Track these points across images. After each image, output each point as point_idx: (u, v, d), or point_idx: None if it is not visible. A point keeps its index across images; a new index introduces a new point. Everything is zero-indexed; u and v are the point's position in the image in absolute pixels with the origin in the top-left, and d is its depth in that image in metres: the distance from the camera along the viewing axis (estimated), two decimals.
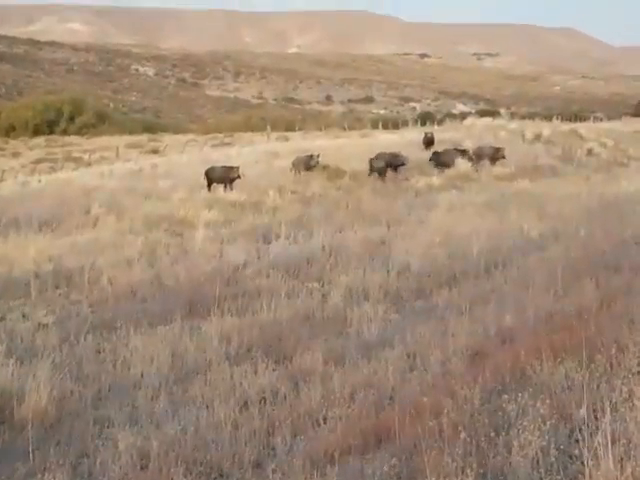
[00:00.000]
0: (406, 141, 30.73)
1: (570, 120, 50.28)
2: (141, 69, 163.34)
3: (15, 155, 51.77)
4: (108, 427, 7.06)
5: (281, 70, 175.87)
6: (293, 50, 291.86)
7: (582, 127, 40.34)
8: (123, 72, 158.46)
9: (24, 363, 8.33)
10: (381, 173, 23.84)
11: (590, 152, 31.72)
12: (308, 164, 24.28)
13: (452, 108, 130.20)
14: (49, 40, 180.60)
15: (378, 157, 24.58)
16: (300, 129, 57.37)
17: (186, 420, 6.98)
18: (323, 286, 11.40)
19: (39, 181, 28.72)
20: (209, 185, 22.08)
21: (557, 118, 47.66)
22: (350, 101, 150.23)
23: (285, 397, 7.37)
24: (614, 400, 5.75)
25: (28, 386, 7.48)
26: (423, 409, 6.24)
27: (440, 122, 50.12)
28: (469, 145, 28.47)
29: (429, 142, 29.37)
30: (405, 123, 54.90)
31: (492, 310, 9.37)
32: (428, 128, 39.98)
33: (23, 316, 10.73)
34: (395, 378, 7.46)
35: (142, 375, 8.21)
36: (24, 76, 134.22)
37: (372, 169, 23.97)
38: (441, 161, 25.42)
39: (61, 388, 7.67)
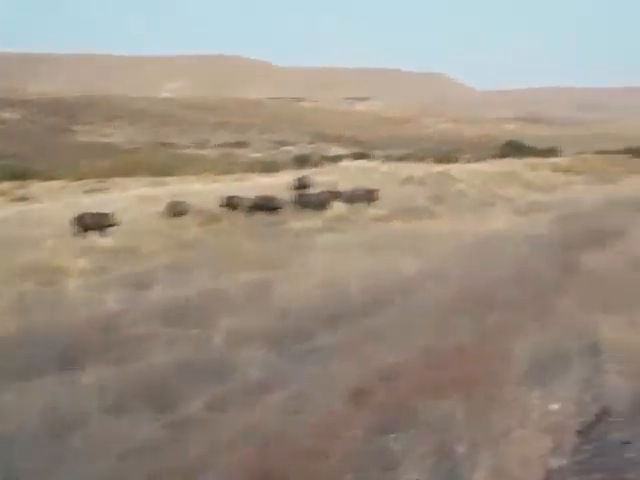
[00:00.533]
0: (282, 184, 30.94)
1: (442, 161, 51.72)
2: (5, 115, 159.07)
3: None
4: None
5: (155, 114, 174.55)
6: (166, 95, 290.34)
7: (453, 168, 41.59)
8: None
9: None
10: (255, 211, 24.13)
11: (461, 192, 32.70)
12: (181, 209, 24.24)
13: (327, 151, 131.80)
14: None
15: (252, 199, 24.81)
16: (175, 174, 56.97)
17: (65, 476, 6.74)
18: (203, 332, 11.26)
19: None
20: (82, 232, 21.65)
21: (429, 160, 48.99)
22: (225, 145, 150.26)
23: (168, 447, 7.22)
24: (493, 435, 5.88)
25: None
26: (309, 452, 6.22)
27: (316, 165, 50.73)
28: (345, 187, 28.91)
29: (302, 186, 29.62)
30: (281, 166, 55.29)
31: (373, 349, 9.46)
32: (305, 171, 40.39)
33: None
34: (279, 422, 7.42)
35: (12, 432, 7.88)
36: None
37: (248, 211, 24.10)
38: (310, 202, 25.71)
39: None
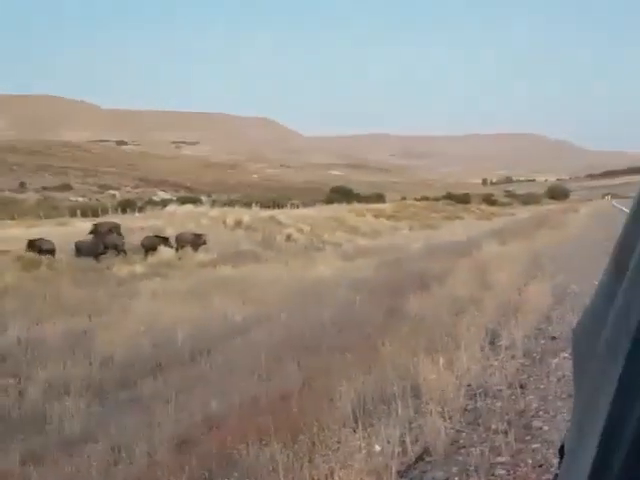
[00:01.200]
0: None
1: (269, 207, 52.24)
2: None
3: None
4: None
5: None
6: None
7: (280, 214, 42.11)
8: None
9: None
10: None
11: (289, 238, 33.17)
12: None
13: (153, 195, 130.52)
14: None
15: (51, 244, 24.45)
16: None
17: None
18: (20, 382, 10.83)
19: None
20: None
21: (256, 205, 49.34)
22: (46, 189, 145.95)
23: None
24: (316, 478, 5.96)
25: None
26: None
27: (141, 209, 50.09)
28: (171, 232, 28.69)
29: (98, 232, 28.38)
30: (105, 211, 54.24)
31: (198, 397, 9.39)
32: (130, 216, 39.81)
33: None
34: (99, 473, 7.22)
35: None
36: None
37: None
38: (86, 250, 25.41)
39: None
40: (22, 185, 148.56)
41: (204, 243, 26.82)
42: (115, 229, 27.38)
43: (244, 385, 9.71)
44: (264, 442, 7.06)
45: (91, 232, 26.95)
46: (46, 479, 7.13)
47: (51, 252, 24.47)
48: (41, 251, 24.46)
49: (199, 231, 28.80)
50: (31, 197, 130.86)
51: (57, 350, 12.42)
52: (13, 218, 51.57)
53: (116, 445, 8.04)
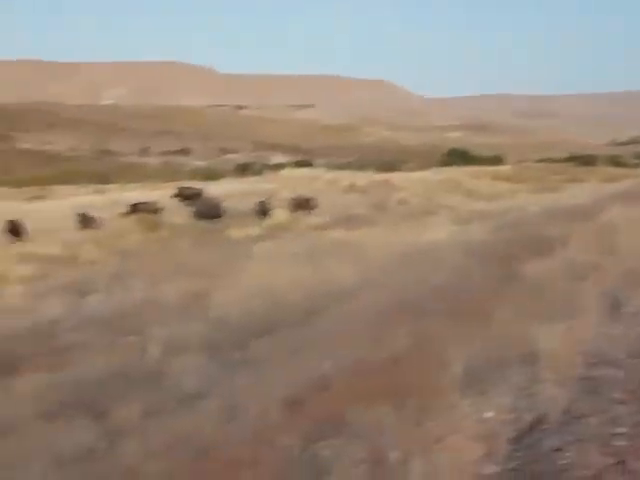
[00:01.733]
0: (225, 192, 30.90)
1: (383, 170, 51.98)
2: None
3: None
4: None
5: (95, 122, 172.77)
6: (107, 102, 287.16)
7: (395, 177, 41.85)
8: None
9: None
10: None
11: (402, 201, 33.00)
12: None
13: (269, 159, 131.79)
14: None
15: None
16: (116, 181, 56.50)
17: None
18: (141, 339, 11.23)
19: None
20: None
21: (370, 168, 49.17)
22: (167, 153, 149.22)
23: (102, 454, 7.21)
24: (425, 442, 5.99)
25: None
26: (242, 459, 6.27)
27: (258, 173, 50.70)
28: (285, 196, 28.99)
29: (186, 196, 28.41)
30: (223, 174, 55.14)
31: (309, 358, 9.53)
32: (246, 179, 40.38)
33: None
34: (214, 430, 7.45)
35: None
36: None
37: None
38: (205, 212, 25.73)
39: None
40: (144, 150, 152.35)
41: (314, 207, 27.01)
42: (198, 195, 27.73)
43: (354, 347, 9.80)
44: (373, 404, 7.14)
45: (175, 196, 27.43)
46: (165, 433, 7.41)
47: (195, 197, 25.29)
48: (187, 198, 25.43)
49: (313, 194, 29.02)
50: (153, 161, 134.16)
51: (175, 309, 12.81)
52: (136, 181, 53.01)
53: (230, 403, 8.27)
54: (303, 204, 27.03)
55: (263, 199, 27.31)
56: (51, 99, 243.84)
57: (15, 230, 22.65)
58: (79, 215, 24.11)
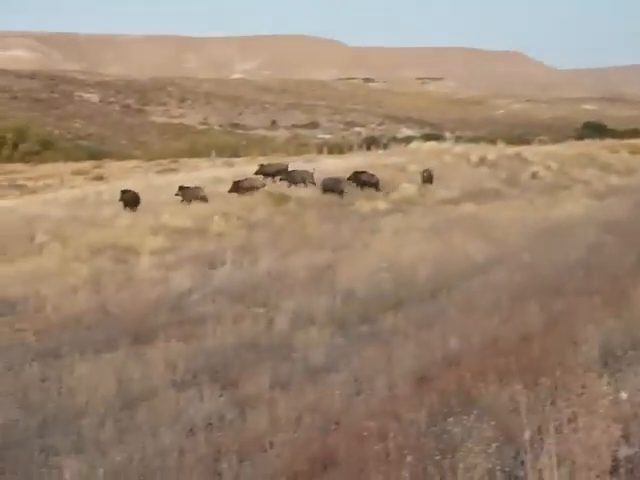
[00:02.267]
0: (351, 166, 30.83)
1: (515, 144, 50.78)
2: (85, 95, 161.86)
3: None
4: (54, 455, 6.96)
5: (226, 96, 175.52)
6: (237, 76, 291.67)
7: (527, 150, 40.74)
8: (67, 99, 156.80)
9: None
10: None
11: (535, 175, 32.16)
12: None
13: (397, 132, 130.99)
14: None
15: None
16: (245, 155, 57.29)
17: (132, 447, 6.92)
18: (269, 311, 11.37)
19: None
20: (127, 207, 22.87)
21: (501, 142, 48.09)
22: (295, 126, 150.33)
23: (231, 423, 7.32)
24: (559, 422, 5.82)
25: None
26: (369, 433, 6.24)
27: (385, 146, 50.42)
28: (414, 169, 28.73)
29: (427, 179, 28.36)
30: (350, 148, 55.13)
31: (437, 334, 9.42)
32: (373, 152, 40.23)
33: None
34: (341, 402, 7.46)
35: (87, 403, 8.09)
36: None
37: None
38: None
39: (6, 417, 7.53)
40: (274, 123, 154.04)
41: (430, 179, 26.75)
42: (283, 171, 27.60)
43: (484, 324, 9.63)
44: (504, 382, 6.99)
45: (256, 173, 27.34)
46: (292, 405, 7.47)
47: (278, 174, 25.83)
48: (269, 175, 26.00)
49: (442, 168, 28.66)
50: (282, 135, 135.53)
51: (302, 282, 12.90)
52: (264, 154, 53.59)
53: (357, 376, 8.27)
54: (430, 178, 26.71)
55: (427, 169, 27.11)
56: (184, 74, 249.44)
57: (133, 201, 23.42)
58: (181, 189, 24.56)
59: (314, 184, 25.36)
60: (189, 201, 23.65)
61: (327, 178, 25.42)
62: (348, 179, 25.85)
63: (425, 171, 27.59)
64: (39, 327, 11.25)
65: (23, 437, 7.37)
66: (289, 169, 27.69)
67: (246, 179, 25.70)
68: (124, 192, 23.80)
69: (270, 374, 8.38)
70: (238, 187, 24.95)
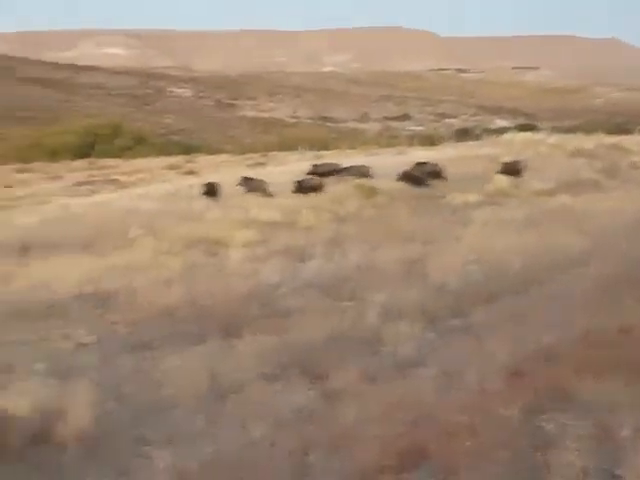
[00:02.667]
0: (443, 158, 30.51)
1: (614, 133, 49.38)
2: (177, 91, 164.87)
3: (57, 178, 52.37)
4: (146, 446, 7.07)
5: (315, 89, 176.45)
6: (327, 69, 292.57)
7: (627, 140, 39.56)
8: (160, 94, 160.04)
9: (65, 383, 8.39)
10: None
11: (636, 166, 31.18)
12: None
13: (490, 123, 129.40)
14: (88, 65, 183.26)
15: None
16: (335, 148, 57.35)
17: (223, 439, 6.99)
18: (358, 305, 11.31)
19: (80, 204, 28.99)
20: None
21: (600, 131, 46.77)
22: (386, 118, 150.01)
23: (321, 416, 7.31)
24: None
25: (69, 406, 7.51)
26: (460, 429, 6.16)
27: (477, 138, 49.80)
28: (507, 161, 28.22)
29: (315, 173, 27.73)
30: (442, 139, 54.68)
31: (531, 328, 9.24)
32: (465, 144, 39.76)
33: (64, 336, 10.83)
34: (431, 397, 7.37)
35: (179, 395, 8.19)
36: (63, 101, 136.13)
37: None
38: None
39: (100, 407, 7.68)
40: (364, 115, 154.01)
41: (519, 172, 26.14)
42: (336, 170, 27.27)
43: (580, 318, 9.39)
44: (602, 377, 6.80)
45: (308, 173, 26.93)
46: (381, 399, 7.41)
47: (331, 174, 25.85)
48: (322, 175, 26.12)
49: (537, 159, 28.12)
50: (373, 127, 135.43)
51: (392, 275, 12.79)
52: (354, 147, 53.57)
53: (447, 371, 8.16)
54: (522, 169, 26.25)
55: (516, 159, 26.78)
56: (274, 68, 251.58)
57: (213, 192, 24.15)
58: (245, 179, 24.80)
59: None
60: (251, 193, 24.04)
61: (411, 170, 25.28)
62: (409, 171, 25.71)
63: (510, 163, 27.04)
64: (132, 320, 11.44)
65: (117, 428, 7.50)
66: (346, 165, 27.44)
67: (312, 179, 25.81)
68: (207, 185, 24.44)
69: (359, 368, 8.34)
70: (301, 187, 25.13)
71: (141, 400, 8.13)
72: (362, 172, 25.83)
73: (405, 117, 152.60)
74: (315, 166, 27.70)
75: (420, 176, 25.28)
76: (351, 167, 26.76)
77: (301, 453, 6.60)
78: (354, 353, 8.98)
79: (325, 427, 6.98)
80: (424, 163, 26.58)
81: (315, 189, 24.63)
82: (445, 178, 25.60)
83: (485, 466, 5.53)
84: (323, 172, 26.87)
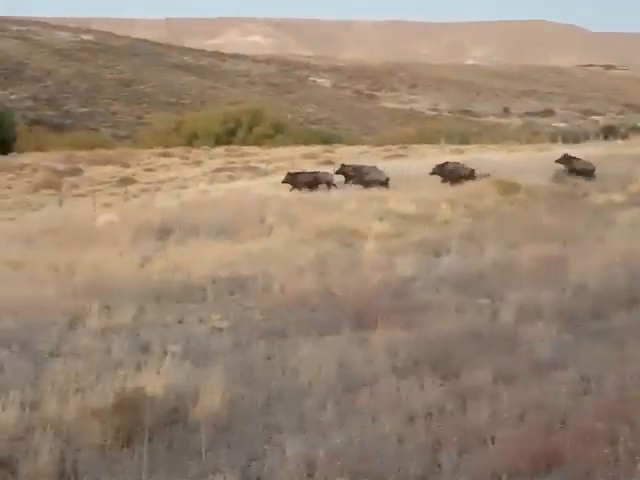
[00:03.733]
0: (585, 156, 29.63)
1: None
2: (318, 81, 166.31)
3: (197, 164, 53.87)
4: (277, 433, 7.15)
5: (457, 82, 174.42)
6: (469, 62, 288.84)
7: None
8: (301, 83, 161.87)
9: (199, 365, 8.62)
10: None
11: None
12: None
13: (637, 122, 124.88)
14: (232, 52, 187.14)
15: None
16: (475, 142, 56.66)
17: (352, 431, 6.99)
18: (493, 303, 11.11)
19: (218, 189, 29.71)
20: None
21: None
22: (528, 114, 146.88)
23: (452, 414, 7.22)
24: None
25: (202, 388, 7.69)
26: (597, 435, 5.97)
27: (624, 136, 48.18)
28: None
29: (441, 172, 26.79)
30: (586, 137, 53.16)
31: None
32: (611, 142, 38.56)
33: (199, 320, 11.12)
34: (567, 401, 7.17)
35: (310, 383, 8.26)
36: (208, 87, 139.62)
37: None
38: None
39: (233, 392, 7.81)
40: (506, 110, 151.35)
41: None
42: (463, 169, 26.57)
43: None
44: None
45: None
46: (515, 400, 7.25)
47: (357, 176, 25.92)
48: (349, 176, 26.15)
49: None
50: (514, 122, 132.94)
51: (529, 274, 12.50)
52: (495, 142, 52.83)
53: (585, 375, 7.91)
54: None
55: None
56: (416, 60, 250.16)
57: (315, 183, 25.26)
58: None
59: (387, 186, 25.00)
60: (299, 188, 24.60)
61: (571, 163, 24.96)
62: (558, 161, 25.44)
63: None
64: (266, 306, 11.62)
65: (248, 413, 7.62)
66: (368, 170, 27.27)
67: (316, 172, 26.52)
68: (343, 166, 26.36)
69: (493, 367, 8.18)
70: (295, 180, 25.70)
71: (272, 386, 8.24)
72: (379, 179, 25.96)
73: (548, 113, 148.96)
74: (343, 167, 27.99)
75: (567, 173, 24.82)
76: (372, 174, 26.72)
77: (430, 450, 6.54)
78: (488, 351, 8.82)
79: (456, 425, 6.88)
80: (572, 158, 26.07)
81: (459, 180, 24.74)
82: (594, 177, 25.00)
83: (623, 476, 5.35)
84: (350, 173, 27.19)
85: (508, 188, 23.05)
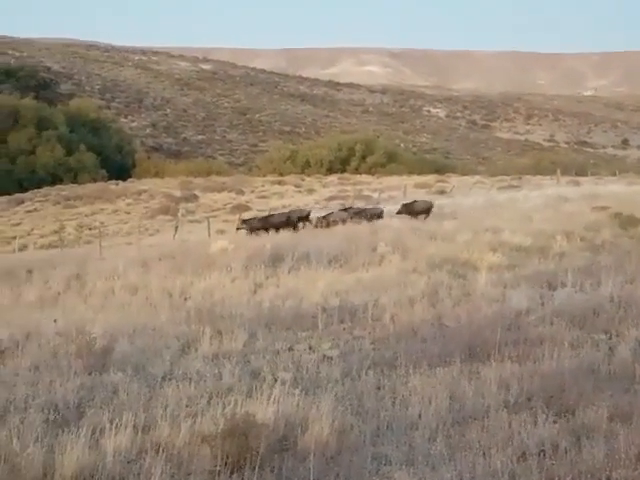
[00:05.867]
0: None
1: None
2: (433, 110, 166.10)
3: (310, 192, 54.46)
4: (385, 465, 7.11)
5: (575, 113, 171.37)
6: (588, 92, 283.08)
7: None
8: (415, 113, 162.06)
9: (308, 393, 8.63)
10: None
11: None
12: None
13: None
14: (347, 82, 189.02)
15: None
16: (592, 174, 55.43)
17: (462, 465, 6.89)
18: (610, 338, 10.79)
19: None
20: None
21: None
22: None
23: (566, 452, 7.01)
24: None
25: (312, 416, 7.71)
26: None
27: None
28: None
29: None
30: None
31: None
32: None
33: (309, 348, 11.15)
34: None
35: (420, 415, 8.16)
36: (322, 116, 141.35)
37: None
38: None
39: (342, 421, 7.80)
40: (625, 142, 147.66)
41: None
42: (428, 210, 26.84)
43: None
44: None
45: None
46: (633, 440, 7.00)
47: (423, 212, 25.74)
48: (413, 213, 25.96)
49: None
50: (633, 154, 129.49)
51: None
52: (614, 174, 51.57)
53: None
54: None
55: None
56: (533, 90, 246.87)
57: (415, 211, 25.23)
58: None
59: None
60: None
61: None
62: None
63: None
64: (376, 335, 11.58)
65: (357, 443, 7.59)
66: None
67: (331, 213, 26.48)
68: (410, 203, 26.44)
69: (609, 405, 7.92)
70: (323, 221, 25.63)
71: (382, 417, 8.18)
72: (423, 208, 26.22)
73: None
74: (406, 204, 28.01)
75: None
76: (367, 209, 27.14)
77: None
78: (604, 388, 8.56)
79: (570, 464, 6.69)
80: None
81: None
82: None
83: None
84: (414, 210, 27.26)
85: (627, 221, 22.42)
